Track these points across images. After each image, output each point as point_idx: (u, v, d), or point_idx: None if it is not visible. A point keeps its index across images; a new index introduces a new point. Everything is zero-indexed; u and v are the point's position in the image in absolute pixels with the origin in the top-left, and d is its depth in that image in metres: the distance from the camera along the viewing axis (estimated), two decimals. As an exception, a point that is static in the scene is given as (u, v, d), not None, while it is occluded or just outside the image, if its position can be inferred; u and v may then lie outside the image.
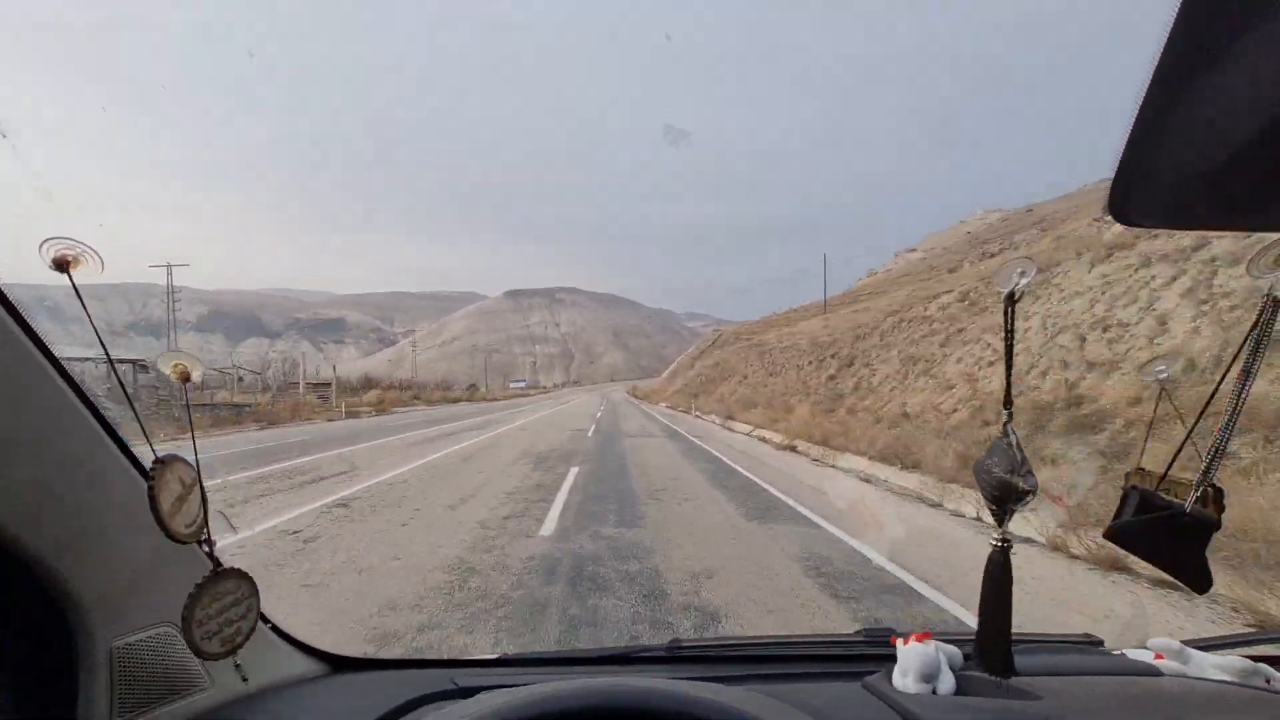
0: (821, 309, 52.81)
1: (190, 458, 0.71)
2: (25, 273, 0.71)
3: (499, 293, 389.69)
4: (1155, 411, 0.95)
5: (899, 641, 0.96)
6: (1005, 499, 0.70)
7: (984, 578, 0.75)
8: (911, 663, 0.91)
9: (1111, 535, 0.82)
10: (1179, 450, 0.84)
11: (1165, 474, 0.84)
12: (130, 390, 0.78)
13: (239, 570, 0.75)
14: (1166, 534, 0.78)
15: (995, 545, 0.74)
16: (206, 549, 0.74)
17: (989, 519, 0.85)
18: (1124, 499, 0.84)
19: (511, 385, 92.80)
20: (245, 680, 0.86)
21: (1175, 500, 0.78)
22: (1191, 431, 0.82)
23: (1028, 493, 0.69)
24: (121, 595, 0.72)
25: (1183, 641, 1.02)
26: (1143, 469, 0.87)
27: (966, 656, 0.93)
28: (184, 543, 0.67)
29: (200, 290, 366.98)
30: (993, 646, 0.77)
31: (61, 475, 0.66)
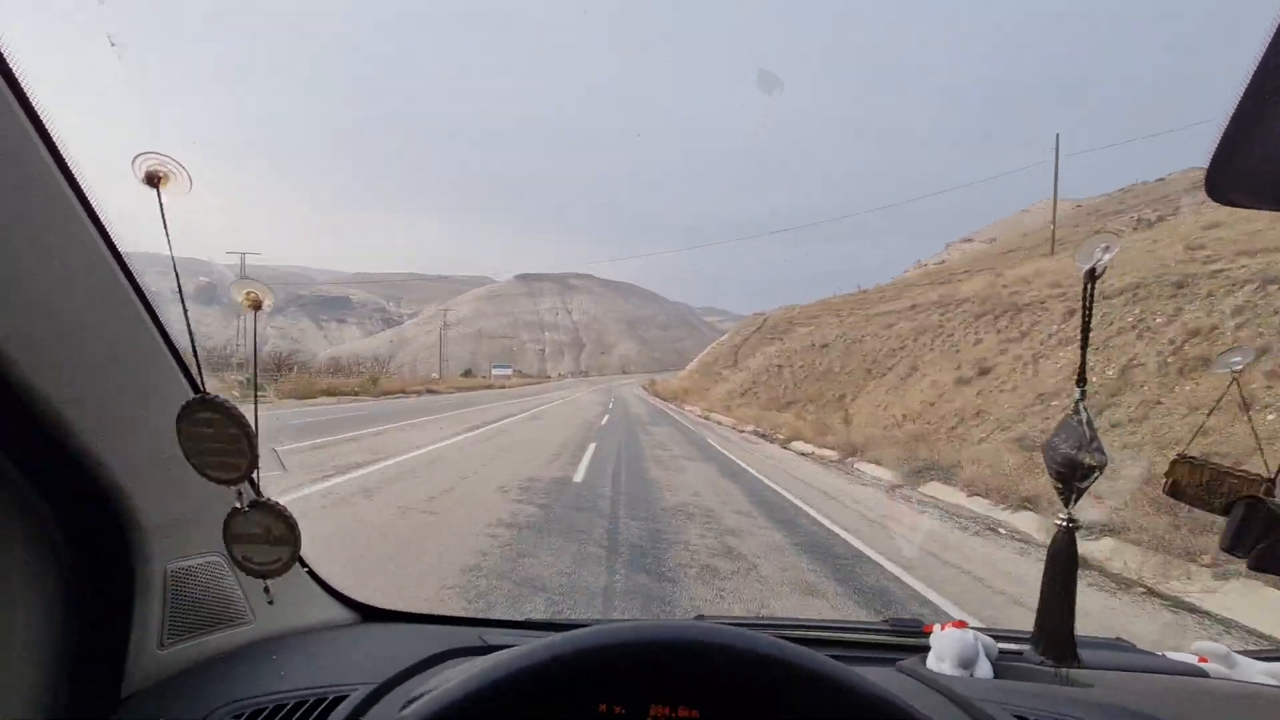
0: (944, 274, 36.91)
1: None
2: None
3: (509, 276, 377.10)
4: (1220, 401, 0.92)
5: (935, 628, 0.97)
6: (1071, 476, 0.69)
7: (1047, 558, 0.73)
8: (948, 648, 0.90)
9: (1258, 564, 0.74)
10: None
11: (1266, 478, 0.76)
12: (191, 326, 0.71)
13: (277, 509, 0.74)
14: None
15: (1060, 525, 0.72)
16: (248, 488, 0.74)
17: None
18: (1234, 514, 0.76)
19: (495, 372, 79.58)
20: (268, 594, 0.85)
21: None
22: None
23: (1094, 469, 0.68)
24: (180, 522, 0.76)
25: (1231, 649, 0.97)
26: (1189, 457, 0.82)
27: (1002, 652, 0.93)
28: (217, 482, 0.68)
29: (198, 260, 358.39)
30: (1056, 630, 0.74)
31: (143, 406, 0.70)
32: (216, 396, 0.66)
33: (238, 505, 0.74)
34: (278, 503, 0.74)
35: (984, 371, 15.24)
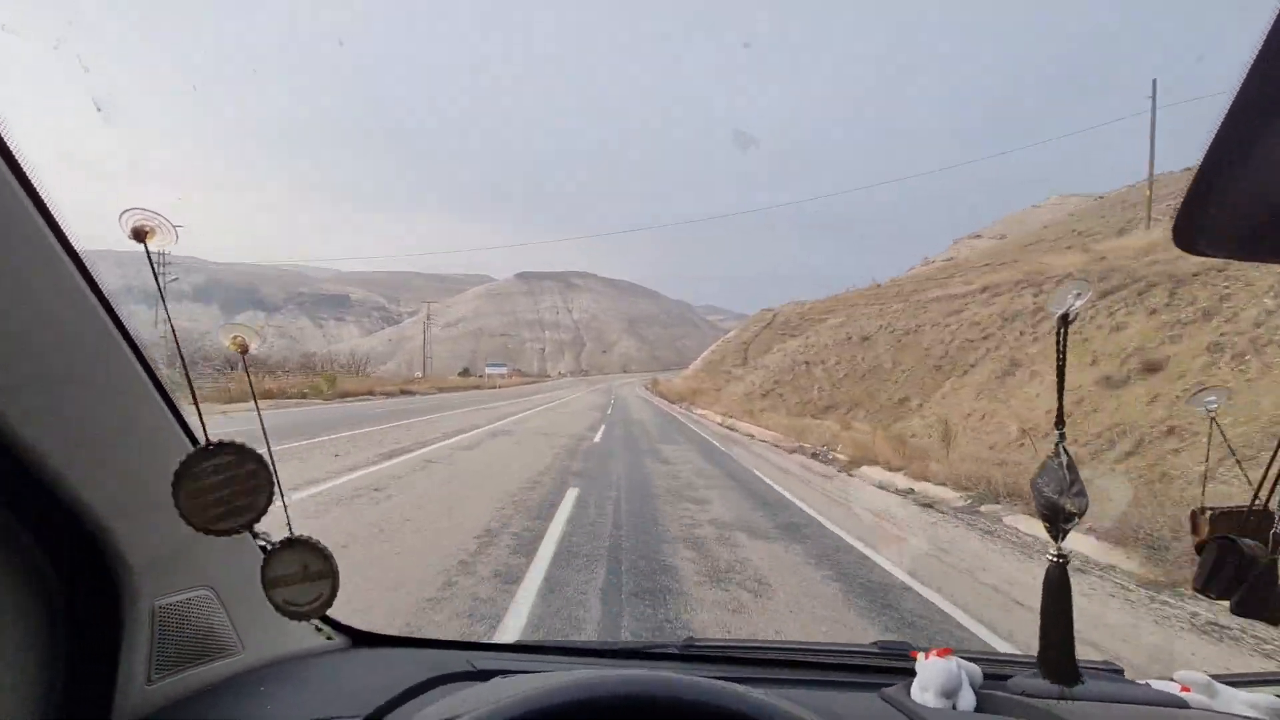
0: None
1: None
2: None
3: (510, 275, 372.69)
4: (1209, 444, 0.90)
5: (919, 656, 0.96)
6: (1055, 518, 0.72)
7: (1043, 593, 0.76)
8: (932, 678, 0.90)
9: (1240, 610, 0.77)
10: (1264, 483, 0.80)
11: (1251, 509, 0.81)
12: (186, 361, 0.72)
13: (309, 542, 0.75)
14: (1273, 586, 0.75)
15: (1051, 560, 0.75)
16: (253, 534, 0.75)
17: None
18: (1206, 554, 0.80)
19: (489, 370, 75.19)
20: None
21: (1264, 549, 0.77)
22: (1273, 460, 0.79)
23: (1075, 514, 0.71)
24: (168, 558, 0.76)
25: (1211, 676, 0.98)
26: (1209, 508, 0.85)
27: (987, 676, 0.95)
28: (281, 612, 0.70)
29: (198, 259, 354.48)
30: (1058, 657, 0.76)
31: (125, 442, 0.70)
32: (222, 441, 0.66)
33: (265, 545, 0.75)
34: (309, 536, 0.73)
35: (1151, 368, 10.43)
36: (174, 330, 0.70)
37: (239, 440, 0.66)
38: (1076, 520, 0.71)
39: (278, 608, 0.71)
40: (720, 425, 18.62)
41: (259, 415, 0.78)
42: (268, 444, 0.68)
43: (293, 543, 0.72)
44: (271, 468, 0.67)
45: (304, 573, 0.72)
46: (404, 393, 33.69)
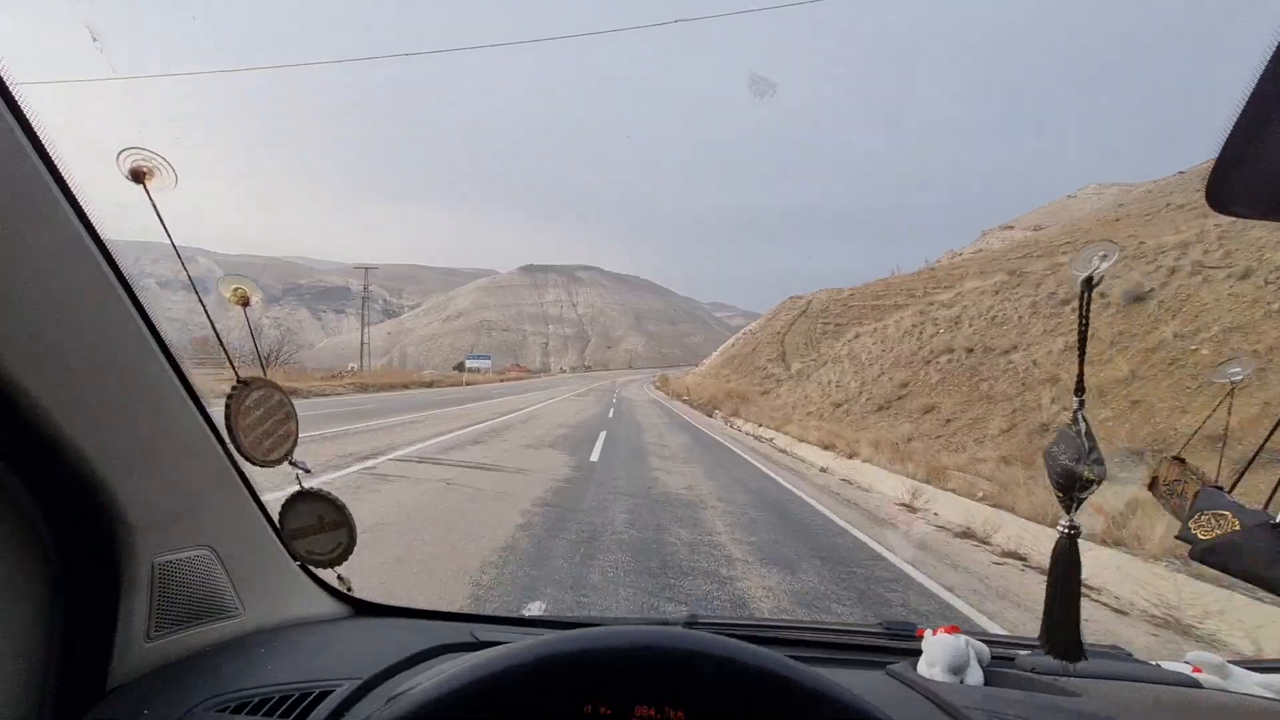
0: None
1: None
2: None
3: (514, 268, 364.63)
4: (1229, 414, 0.90)
5: (926, 633, 0.97)
6: (1070, 486, 0.70)
7: (1051, 564, 0.75)
8: (939, 654, 0.90)
9: (1200, 555, 0.77)
10: (1257, 453, 0.81)
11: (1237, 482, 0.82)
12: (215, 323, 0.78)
13: (322, 493, 0.79)
14: (1264, 545, 0.73)
15: (1063, 532, 0.73)
16: (294, 469, 0.83)
17: None
18: (1193, 499, 0.80)
19: (470, 364, 66.39)
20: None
21: (1256, 510, 0.76)
22: (1271, 435, 0.79)
23: (1094, 481, 0.69)
24: (168, 517, 0.77)
25: (1225, 659, 0.97)
26: (1180, 458, 0.85)
27: (995, 656, 0.95)
28: (260, 464, 0.72)
29: (201, 249, 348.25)
30: (1063, 632, 0.75)
31: (127, 399, 0.70)
32: (258, 379, 0.70)
33: (234, 498, 0.82)
34: (319, 488, 0.74)
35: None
36: (193, 280, 0.71)
37: (264, 378, 0.70)
38: (1094, 488, 0.69)
39: (301, 559, 0.71)
40: (905, 506, 7.52)
41: (263, 368, 0.78)
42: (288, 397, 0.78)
43: (304, 495, 0.72)
44: (292, 421, 0.73)
45: (320, 523, 0.73)
46: (323, 395, 24.84)
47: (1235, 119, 0.37)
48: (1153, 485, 0.87)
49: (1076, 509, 0.71)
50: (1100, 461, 0.68)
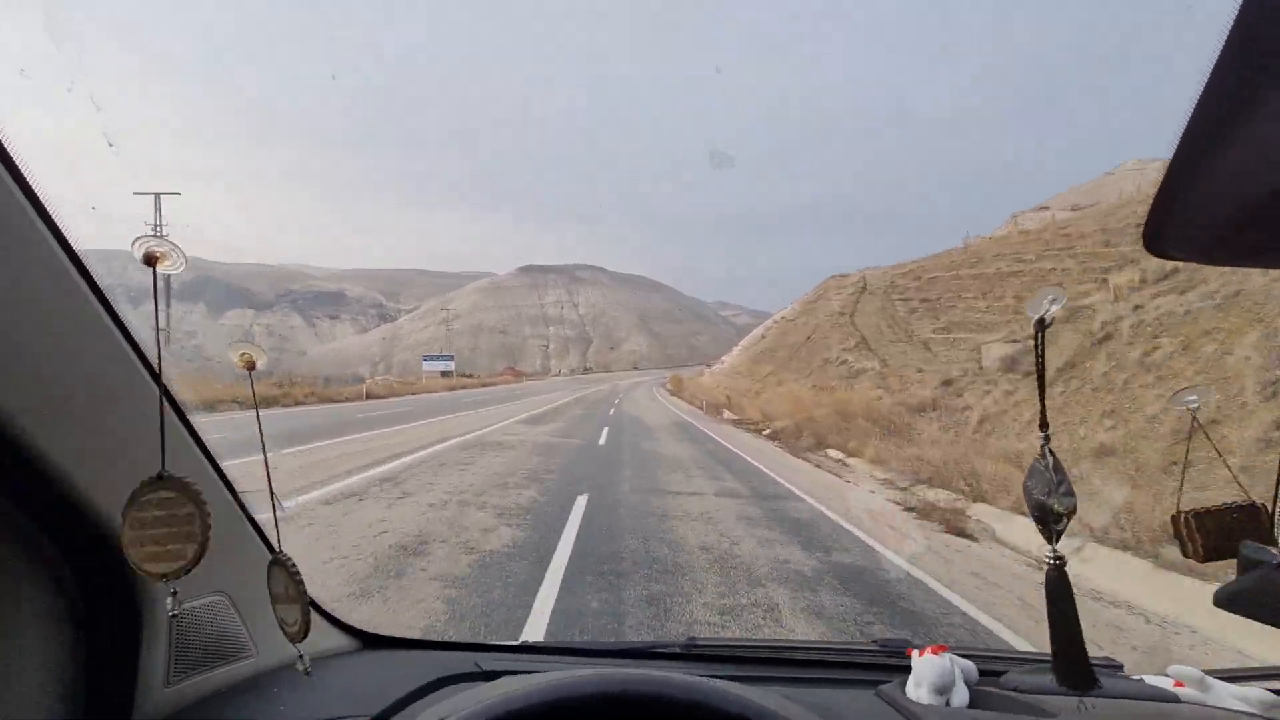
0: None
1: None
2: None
3: (513, 268, 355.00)
4: (1190, 443, 0.92)
5: (914, 653, 0.98)
6: (1045, 519, 0.73)
7: (1046, 596, 0.76)
8: (926, 674, 0.92)
9: (1223, 602, 0.77)
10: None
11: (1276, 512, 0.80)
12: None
13: (281, 562, 0.79)
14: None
15: (1049, 563, 0.75)
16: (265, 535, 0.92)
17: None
18: (1241, 557, 0.79)
19: (427, 367, 56.55)
20: (307, 673, 0.92)
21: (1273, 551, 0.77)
22: None
23: (1063, 514, 0.72)
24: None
25: (1205, 671, 0.99)
26: (1186, 512, 0.86)
27: (982, 673, 0.97)
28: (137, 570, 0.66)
29: (197, 258, 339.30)
30: (1071, 661, 0.76)
31: (143, 460, 0.72)
32: (171, 475, 0.67)
33: (248, 547, 0.90)
34: (285, 558, 0.75)
35: None
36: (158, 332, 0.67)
37: (190, 480, 0.65)
38: (1065, 521, 0.71)
39: (285, 623, 0.73)
40: None
41: (259, 430, 0.77)
42: (265, 453, 0.75)
43: (275, 563, 0.74)
44: (208, 519, 0.68)
45: (285, 594, 0.73)
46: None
47: (1169, 161, 0.37)
48: (1203, 554, 0.84)
49: (1057, 540, 0.72)
50: (1070, 493, 0.71)
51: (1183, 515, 0.85)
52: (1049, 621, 0.76)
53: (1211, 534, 0.82)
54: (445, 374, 59.05)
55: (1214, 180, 0.36)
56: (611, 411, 19.87)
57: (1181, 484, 0.93)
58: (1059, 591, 0.74)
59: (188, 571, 0.64)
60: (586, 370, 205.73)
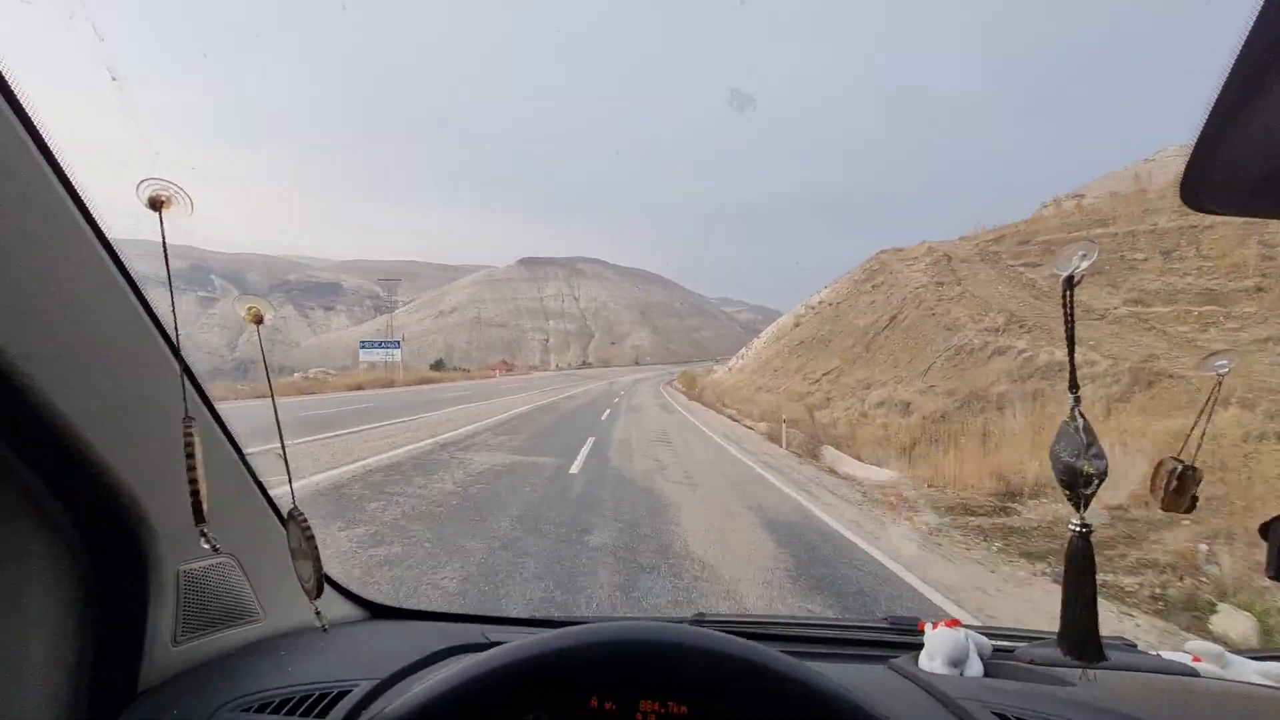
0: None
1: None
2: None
3: (512, 261, 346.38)
4: (1212, 405, 0.94)
5: (927, 626, 0.99)
6: (1074, 483, 0.70)
7: (1065, 563, 0.74)
8: (939, 647, 0.92)
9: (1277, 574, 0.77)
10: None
11: None
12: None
13: (295, 519, 0.79)
14: None
15: (1075, 531, 0.72)
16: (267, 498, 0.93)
17: None
18: (1266, 536, 0.76)
19: (364, 355, 47.80)
20: (324, 629, 0.95)
21: None
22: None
23: (1095, 476, 0.69)
24: (190, 526, 0.79)
25: (1224, 648, 0.98)
26: (1176, 458, 0.88)
27: (996, 649, 0.97)
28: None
29: (188, 246, 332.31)
30: (1080, 632, 0.75)
31: (152, 415, 0.74)
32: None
33: (255, 509, 0.91)
34: (299, 513, 0.75)
35: None
36: (176, 316, 0.71)
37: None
38: (1097, 484, 0.68)
39: (300, 578, 0.72)
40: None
41: (271, 390, 0.78)
42: (280, 427, 0.76)
43: (290, 520, 0.74)
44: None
45: (300, 550, 0.73)
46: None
47: (1205, 118, 0.37)
48: (1152, 485, 0.87)
49: (1085, 506, 0.69)
50: (1101, 455, 0.68)
51: (1179, 465, 0.86)
52: (1064, 591, 0.74)
53: (1169, 486, 0.84)
54: (385, 362, 48.77)
55: (1249, 135, 0.36)
56: (577, 466, 8.38)
57: (1199, 445, 0.91)
58: (1081, 561, 0.71)
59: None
60: (585, 365, 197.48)
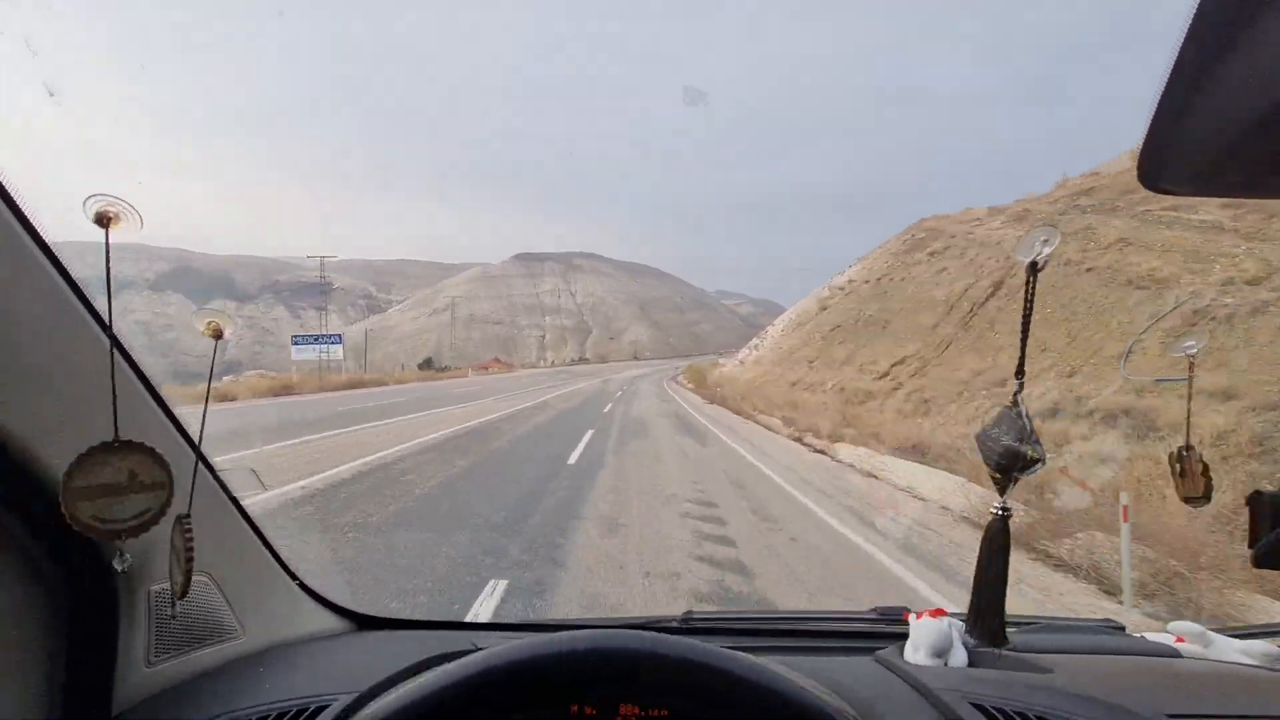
0: None
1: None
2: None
3: (507, 256, 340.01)
4: (1190, 388, 0.92)
5: (911, 617, 0.98)
6: (1011, 467, 0.72)
7: (981, 546, 0.76)
8: (923, 637, 0.92)
9: (1259, 561, 0.76)
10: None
11: None
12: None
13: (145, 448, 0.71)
14: None
15: (995, 514, 0.74)
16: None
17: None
18: (1253, 513, 0.76)
19: (296, 350, 41.93)
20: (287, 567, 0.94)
21: None
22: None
23: (1036, 461, 0.71)
24: (158, 544, 0.76)
25: (1208, 628, 0.99)
26: (1189, 446, 0.88)
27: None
28: (82, 530, 0.62)
29: (163, 248, 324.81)
30: (987, 614, 0.77)
31: (103, 428, 0.70)
32: (135, 443, 0.65)
33: (226, 525, 0.89)
34: (188, 524, 0.69)
35: None
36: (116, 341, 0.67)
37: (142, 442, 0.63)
38: (1037, 467, 0.70)
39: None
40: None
41: (205, 405, 0.75)
42: (199, 439, 0.77)
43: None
44: (167, 495, 0.66)
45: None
46: None
47: (1158, 98, 0.36)
48: (1178, 474, 0.89)
49: (1012, 490, 0.72)
50: (1039, 442, 0.70)
51: (1183, 451, 0.88)
52: (976, 573, 0.75)
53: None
54: (317, 358, 41.54)
55: (1206, 111, 0.36)
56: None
57: (1188, 426, 0.94)
58: (998, 544, 0.73)
59: (141, 528, 0.62)
60: (582, 360, 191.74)
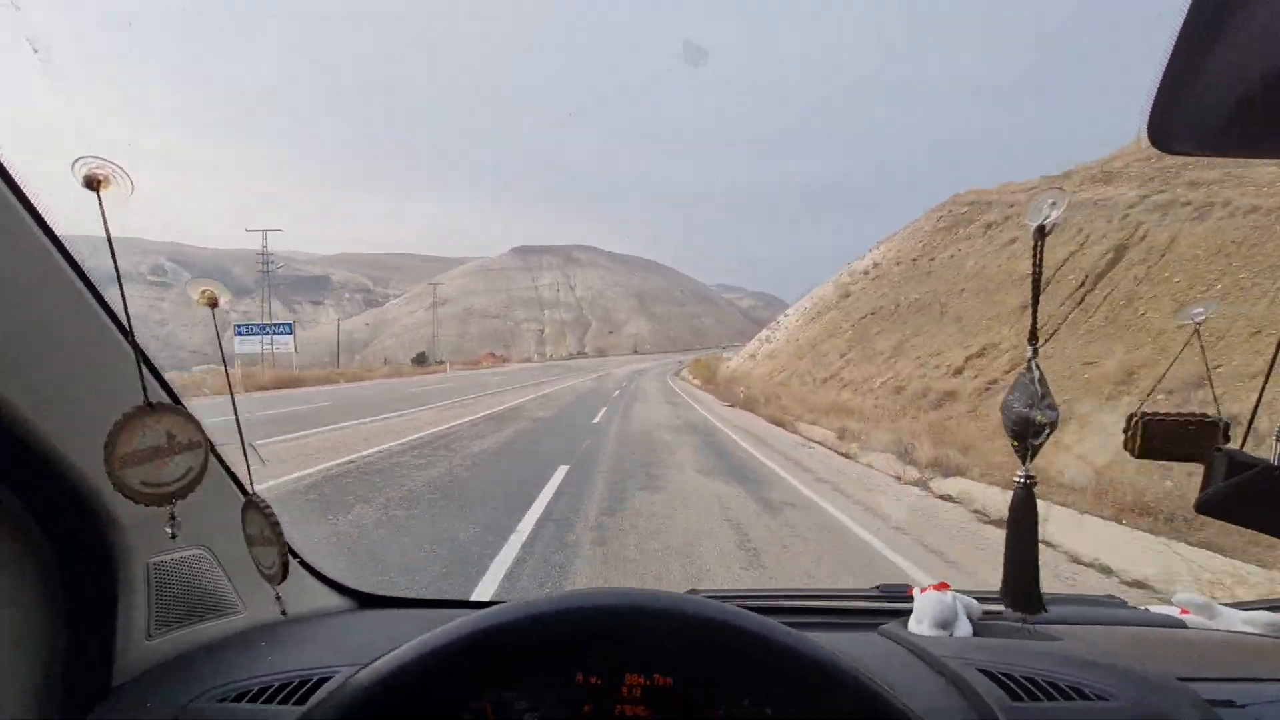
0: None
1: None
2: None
3: (505, 250, 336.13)
4: (1205, 355, 0.94)
5: (915, 591, 0.99)
6: (1025, 433, 0.71)
7: (1009, 516, 0.75)
8: (927, 609, 0.92)
9: (1202, 507, 0.76)
10: (1259, 398, 0.83)
11: (1250, 424, 0.80)
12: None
13: (255, 504, 0.77)
14: (1263, 494, 0.71)
15: (1019, 482, 0.73)
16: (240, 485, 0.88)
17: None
18: (1209, 465, 0.78)
19: (239, 345, 39.09)
20: (284, 614, 0.91)
21: (1259, 457, 0.74)
22: (1268, 376, 0.77)
23: (1046, 426, 0.70)
24: (158, 517, 0.76)
25: (1212, 599, 0.99)
26: (1146, 414, 0.88)
27: (986, 613, 0.97)
28: (134, 499, 0.63)
29: (160, 243, 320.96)
30: (1020, 584, 0.76)
31: (109, 404, 0.70)
32: (172, 406, 0.66)
33: (226, 499, 0.85)
34: (262, 500, 0.74)
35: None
36: (125, 298, 0.68)
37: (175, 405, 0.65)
38: (1047, 434, 0.69)
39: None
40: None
41: (226, 373, 0.76)
42: (236, 415, 0.74)
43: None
44: (207, 457, 0.68)
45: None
46: None
47: (1168, 54, 0.36)
48: (1145, 450, 0.85)
49: (1032, 457, 0.71)
50: (1053, 407, 0.69)
51: (1140, 416, 0.86)
52: (1006, 542, 0.74)
53: (1154, 437, 0.83)
54: (272, 356, 38.24)
55: (1214, 70, 0.35)
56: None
57: (1152, 390, 0.95)
58: (1024, 512, 0.73)
59: (188, 489, 0.64)
60: (580, 354, 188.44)
